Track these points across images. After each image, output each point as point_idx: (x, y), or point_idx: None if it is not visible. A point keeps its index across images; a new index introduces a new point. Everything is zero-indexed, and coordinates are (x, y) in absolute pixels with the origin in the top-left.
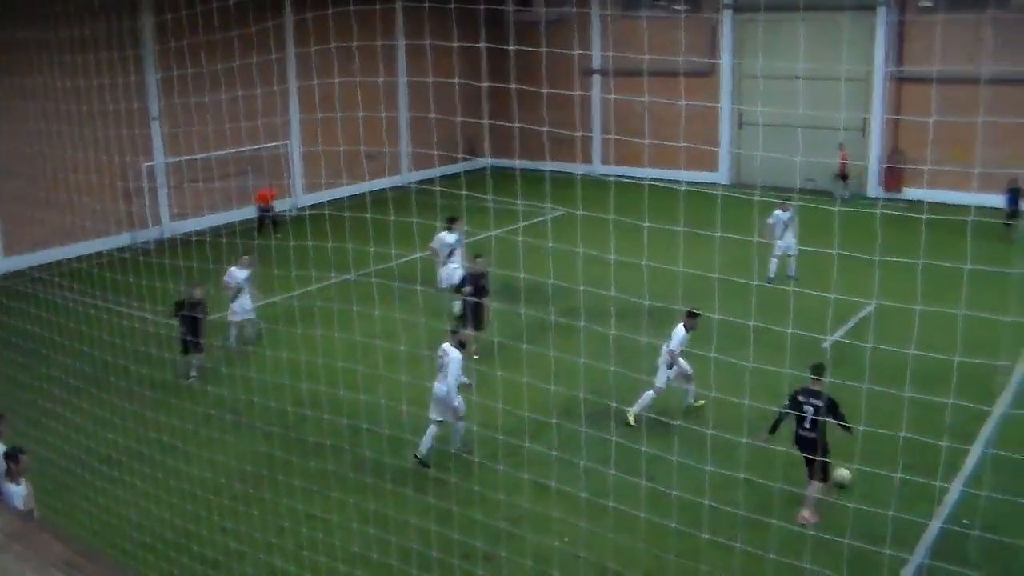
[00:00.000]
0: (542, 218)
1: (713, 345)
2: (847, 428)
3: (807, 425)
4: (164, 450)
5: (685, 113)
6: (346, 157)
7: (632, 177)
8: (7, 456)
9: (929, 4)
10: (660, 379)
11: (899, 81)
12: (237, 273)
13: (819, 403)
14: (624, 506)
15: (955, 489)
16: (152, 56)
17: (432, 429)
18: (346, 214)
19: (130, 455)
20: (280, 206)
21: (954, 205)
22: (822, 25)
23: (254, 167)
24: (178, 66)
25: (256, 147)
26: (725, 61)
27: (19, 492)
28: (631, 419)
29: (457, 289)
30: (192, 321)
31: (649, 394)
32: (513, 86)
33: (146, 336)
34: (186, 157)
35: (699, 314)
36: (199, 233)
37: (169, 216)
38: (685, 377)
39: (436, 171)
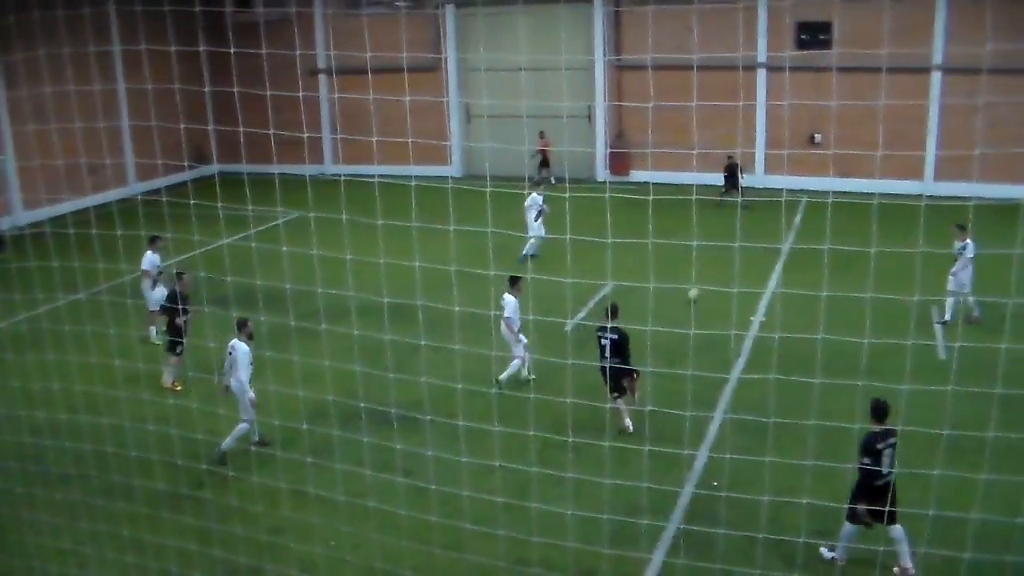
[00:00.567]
0: (275, 222)
1: (457, 336)
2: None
3: (606, 354)
4: None
5: (413, 108)
6: (66, 170)
7: (364, 175)
8: None
9: None
10: (517, 349)
11: (619, 69)
12: None
13: (615, 336)
14: (385, 505)
15: (702, 454)
16: None
17: (243, 427)
18: (71, 231)
19: None
20: None
21: (678, 185)
22: (542, 17)
23: None
24: None
25: None
26: (449, 55)
27: None
28: (499, 380)
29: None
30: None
31: (516, 362)
32: (236, 89)
33: None
34: None
35: (520, 278)
36: None
37: None
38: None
39: (162, 180)
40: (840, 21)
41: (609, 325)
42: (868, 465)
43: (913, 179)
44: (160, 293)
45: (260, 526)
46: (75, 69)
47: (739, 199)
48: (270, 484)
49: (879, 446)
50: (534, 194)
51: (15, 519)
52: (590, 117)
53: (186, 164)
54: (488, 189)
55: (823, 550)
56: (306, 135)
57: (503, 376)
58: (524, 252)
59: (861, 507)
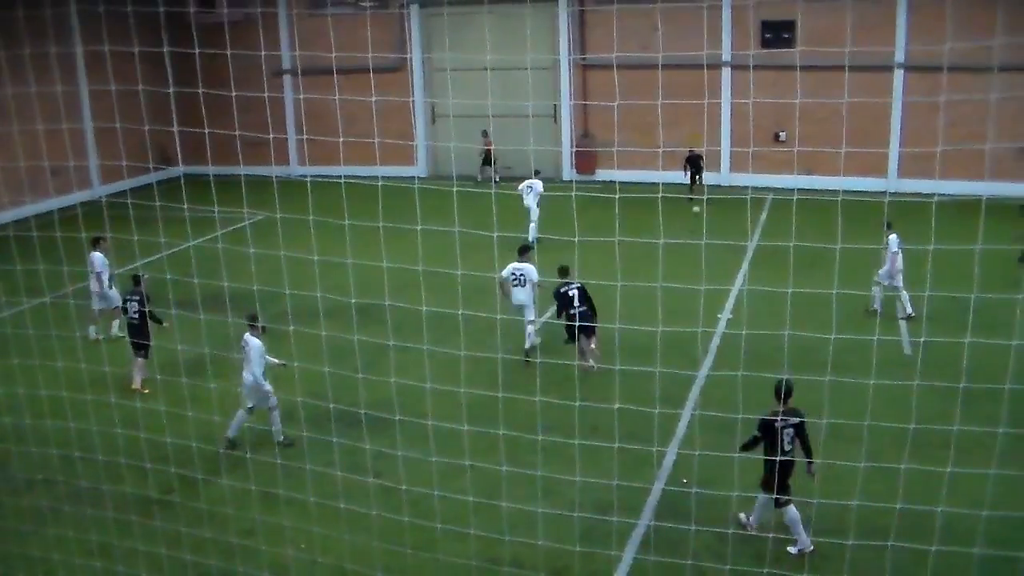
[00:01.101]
0: (241, 224)
1: (425, 336)
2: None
3: (574, 304)
4: None
5: (379, 109)
6: (28, 172)
7: (330, 176)
8: None
9: None
10: (529, 314)
11: (584, 68)
12: None
13: (579, 285)
14: (355, 506)
15: (671, 452)
16: None
17: (241, 415)
18: (34, 234)
19: None
20: None
21: (644, 183)
22: (507, 17)
23: None
24: None
25: None
26: (415, 55)
27: None
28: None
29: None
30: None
31: (531, 328)
32: (201, 90)
33: None
34: None
35: (529, 247)
36: None
37: None
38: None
39: (127, 183)
40: (803, 20)
41: (569, 280)
42: (764, 442)
43: (877, 176)
44: (115, 292)
45: (230, 529)
46: (37, 70)
47: (701, 194)
48: (240, 487)
49: (777, 425)
50: (528, 180)
51: None
52: (556, 116)
53: (151, 166)
54: (454, 189)
55: (741, 515)
56: (271, 136)
57: (527, 346)
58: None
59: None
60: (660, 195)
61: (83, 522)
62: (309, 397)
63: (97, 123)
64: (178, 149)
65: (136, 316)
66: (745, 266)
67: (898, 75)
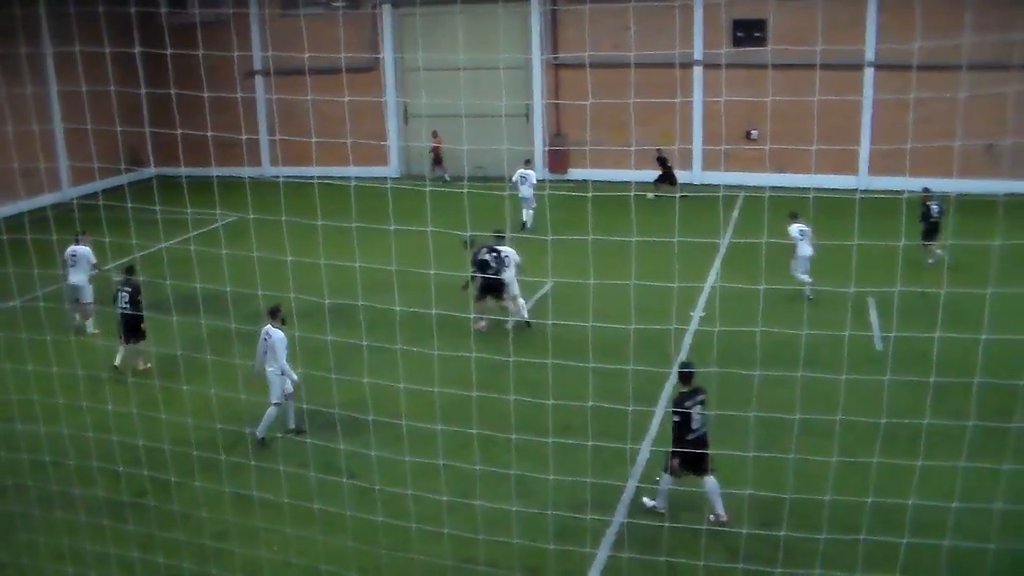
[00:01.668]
0: (214, 225)
1: (399, 337)
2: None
3: (492, 272)
4: None
5: (351, 109)
6: None
7: (303, 177)
8: None
9: None
10: (514, 287)
11: (556, 67)
12: None
13: (496, 253)
14: (329, 507)
15: (644, 449)
16: None
17: (272, 411)
18: (3, 236)
19: None
20: None
21: (616, 182)
22: (479, 17)
23: None
24: None
25: None
26: (387, 55)
27: None
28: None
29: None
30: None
31: (521, 302)
32: (173, 91)
33: None
34: None
35: (503, 236)
36: None
37: None
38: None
39: (99, 184)
40: (774, 19)
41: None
42: (679, 422)
43: (848, 174)
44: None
45: (204, 531)
46: (5, 71)
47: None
48: (213, 489)
49: (687, 404)
50: (522, 169)
51: None
52: (528, 116)
53: (122, 167)
54: (427, 189)
55: (645, 499)
56: (244, 137)
57: (526, 316)
58: (527, 223)
59: (675, 462)
60: (632, 193)
61: (54, 526)
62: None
63: (67, 124)
64: (150, 150)
65: (127, 306)
66: (718, 263)
67: (868, 73)
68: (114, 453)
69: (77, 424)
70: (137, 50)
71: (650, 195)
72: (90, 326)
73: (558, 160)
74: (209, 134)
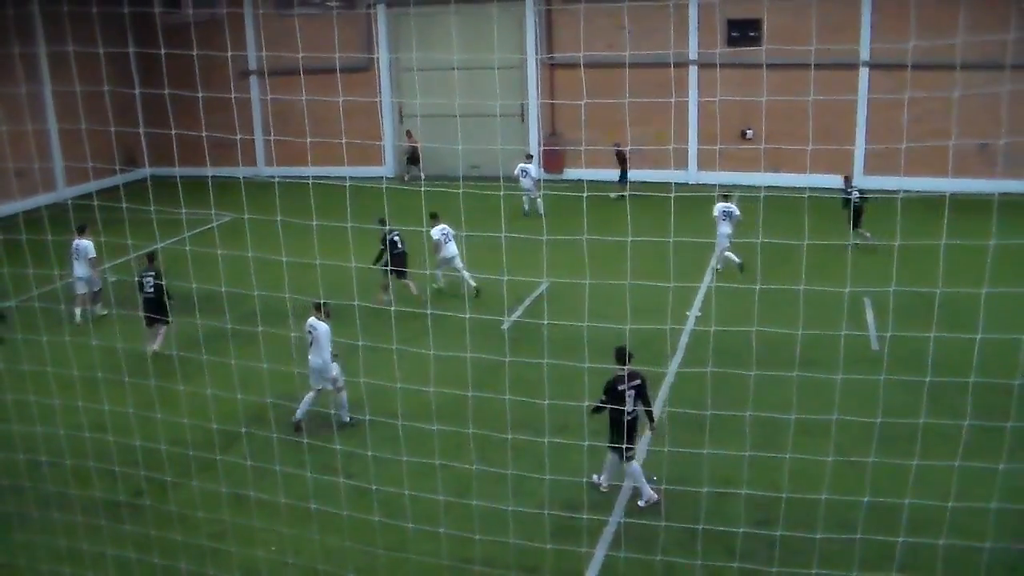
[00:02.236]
0: (209, 225)
1: (394, 337)
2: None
3: (399, 247)
4: None
5: (346, 109)
6: None
7: (297, 177)
8: None
9: None
10: (459, 263)
11: (551, 67)
12: None
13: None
14: (326, 507)
15: (641, 448)
16: None
17: (310, 396)
18: None
19: None
20: None
21: (611, 182)
22: (474, 17)
23: None
24: None
25: None
26: (382, 56)
27: None
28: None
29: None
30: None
31: (466, 275)
32: (167, 91)
33: None
34: None
35: (437, 215)
36: None
37: None
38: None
39: (93, 184)
40: (769, 18)
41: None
42: (609, 404)
43: (843, 173)
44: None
45: (201, 532)
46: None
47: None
48: (210, 489)
49: (620, 387)
50: (522, 163)
51: None
52: (523, 115)
53: (117, 168)
54: (422, 189)
55: (594, 476)
56: (239, 137)
57: (474, 287)
58: (527, 210)
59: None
60: (628, 193)
61: (51, 527)
62: (278, 398)
63: (62, 124)
64: (144, 150)
65: (152, 290)
66: (714, 263)
67: (863, 72)
68: (111, 453)
69: (73, 424)
70: (131, 50)
71: (613, 195)
72: (99, 309)
73: (554, 160)
74: (204, 134)
